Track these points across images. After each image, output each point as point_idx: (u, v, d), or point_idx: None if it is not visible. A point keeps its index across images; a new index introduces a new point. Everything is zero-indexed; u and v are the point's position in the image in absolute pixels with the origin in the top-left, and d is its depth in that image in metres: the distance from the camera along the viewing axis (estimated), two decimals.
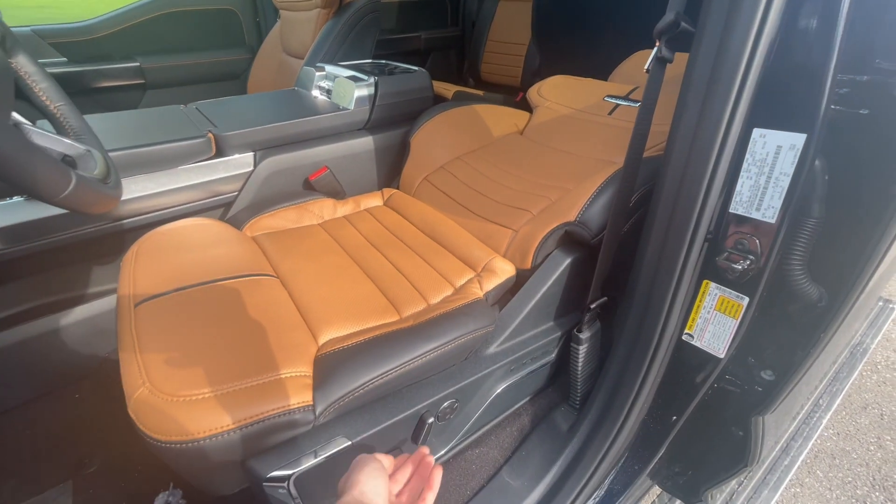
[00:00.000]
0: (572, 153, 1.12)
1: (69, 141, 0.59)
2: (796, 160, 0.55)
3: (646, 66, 0.66)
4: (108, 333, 1.01)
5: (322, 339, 0.68)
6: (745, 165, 0.59)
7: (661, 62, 0.64)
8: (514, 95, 2.18)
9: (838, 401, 1.38)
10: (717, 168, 0.59)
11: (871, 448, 1.49)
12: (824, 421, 1.31)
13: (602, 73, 1.43)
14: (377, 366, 0.62)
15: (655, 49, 0.64)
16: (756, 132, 0.57)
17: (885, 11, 0.52)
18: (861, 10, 0.51)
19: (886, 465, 1.42)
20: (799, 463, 1.16)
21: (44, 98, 0.63)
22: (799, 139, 0.54)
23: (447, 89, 2.02)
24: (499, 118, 1.33)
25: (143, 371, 0.56)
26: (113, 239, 0.96)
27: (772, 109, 0.56)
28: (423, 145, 1.20)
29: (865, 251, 0.57)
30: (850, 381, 1.46)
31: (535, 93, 1.37)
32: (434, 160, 1.19)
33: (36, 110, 0.64)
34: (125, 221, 0.93)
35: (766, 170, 0.58)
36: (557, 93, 1.33)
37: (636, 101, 1.17)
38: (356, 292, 0.79)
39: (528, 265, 0.86)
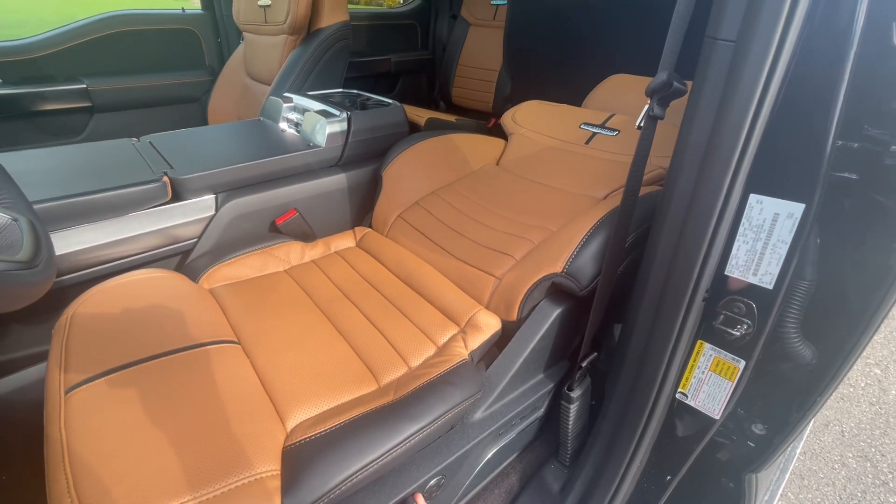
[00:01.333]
0: (552, 186, 1.09)
1: None
2: (794, 229, 0.54)
3: (637, 123, 0.64)
4: (38, 404, 0.88)
5: (291, 424, 0.60)
6: (741, 230, 0.58)
7: (652, 120, 0.62)
8: (487, 121, 2.17)
9: (809, 426, 1.41)
10: (718, 232, 0.57)
11: (836, 466, 1.52)
12: (798, 450, 1.33)
13: (575, 99, 1.43)
14: (355, 459, 0.55)
15: (647, 107, 0.62)
16: (752, 198, 0.56)
17: (873, 79, 0.52)
18: (852, 77, 0.50)
19: (850, 483, 1.46)
20: (778, 496, 1.17)
21: None
22: (797, 209, 0.53)
23: (419, 115, 1.99)
24: (474, 147, 1.29)
25: (71, 489, 0.47)
26: (50, 296, 0.85)
27: (769, 177, 0.54)
28: (396, 179, 1.15)
29: (863, 320, 0.56)
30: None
31: (510, 119, 1.34)
32: (408, 195, 1.13)
33: None
34: (65, 278, 0.82)
35: (763, 236, 0.56)
36: (532, 119, 1.31)
37: (613, 130, 1.16)
38: (328, 357, 0.72)
39: (514, 317, 0.82)
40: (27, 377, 0.85)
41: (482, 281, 0.88)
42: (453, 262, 0.94)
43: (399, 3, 2.72)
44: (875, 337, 2.09)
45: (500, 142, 1.34)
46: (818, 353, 0.64)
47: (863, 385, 1.86)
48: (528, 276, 0.82)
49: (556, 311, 0.80)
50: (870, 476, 1.48)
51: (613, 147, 1.11)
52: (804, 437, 1.35)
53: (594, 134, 1.17)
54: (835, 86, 0.48)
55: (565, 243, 0.81)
